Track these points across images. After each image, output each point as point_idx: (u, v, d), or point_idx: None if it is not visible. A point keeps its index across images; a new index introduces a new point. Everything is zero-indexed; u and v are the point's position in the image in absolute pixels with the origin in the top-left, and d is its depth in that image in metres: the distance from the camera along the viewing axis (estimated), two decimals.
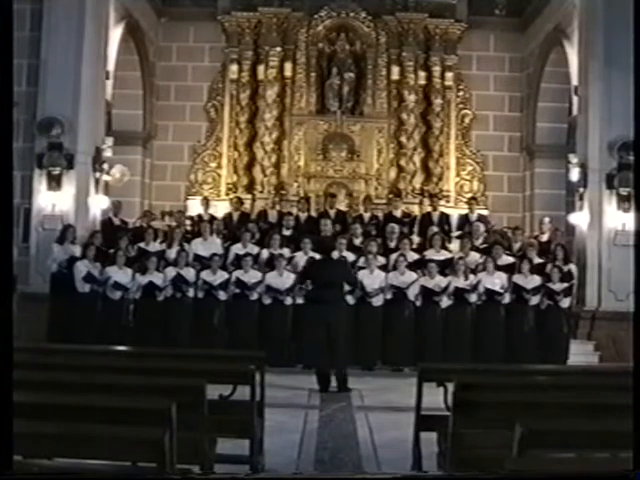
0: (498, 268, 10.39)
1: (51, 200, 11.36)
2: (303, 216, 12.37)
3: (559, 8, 13.12)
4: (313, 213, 13.03)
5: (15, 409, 3.19)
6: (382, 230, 11.55)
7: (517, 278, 10.23)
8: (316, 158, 14.61)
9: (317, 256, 10.11)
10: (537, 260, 10.65)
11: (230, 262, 10.80)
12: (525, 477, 3.22)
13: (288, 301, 10.36)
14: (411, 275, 10.31)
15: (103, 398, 4.13)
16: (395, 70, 14.64)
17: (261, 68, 14.63)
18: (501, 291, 10.14)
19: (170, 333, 10.17)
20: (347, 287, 9.62)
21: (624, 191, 11.17)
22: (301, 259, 10.63)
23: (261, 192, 14.30)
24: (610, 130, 11.27)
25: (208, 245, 11.00)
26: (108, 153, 12.04)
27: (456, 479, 4.34)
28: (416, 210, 13.63)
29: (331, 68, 14.78)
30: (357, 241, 11.19)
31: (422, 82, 14.61)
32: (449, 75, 14.78)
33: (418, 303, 10.30)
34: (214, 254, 10.54)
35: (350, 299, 10.21)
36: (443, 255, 10.82)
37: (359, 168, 14.56)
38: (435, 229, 11.56)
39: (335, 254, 10.43)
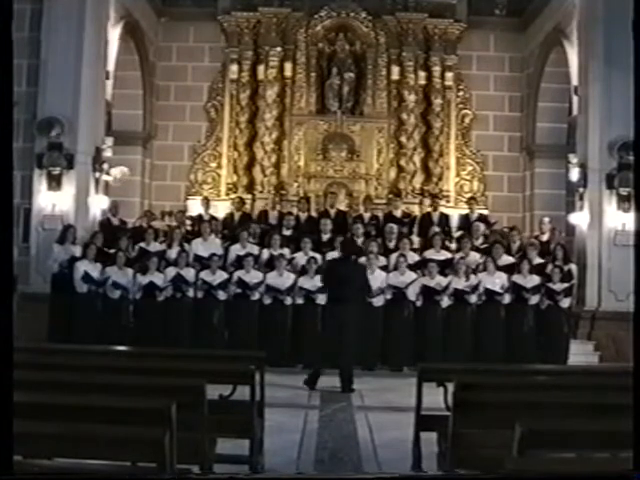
0: (498, 268, 10.39)
1: (51, 200, 11.36)
2: (303, 216, 12.38)
3: (559, 8, 13.13)
4: (313, 213, 13.04)
5: (15, 409, 3.19)
6: (382, 230, 11.55)
7: (516, 278, 10.24)
8: (316, 158, 14.61)
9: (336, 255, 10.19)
10: (537, 260, 10.64)
11: (230, 262, 10.80)
12: (525, 477, 3.22)
13: (288, 301, 10.36)
14: (411, 275, 10.32)
15: (103, 398, 4.13)
16: (395, 70, 14.65)
17: (261, 68, 14.63)
18: (501, 291, 10.14)
19: (170, 333, 10.17)
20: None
21: (624, 191, 11.17)
22: (301, 259, 10.64)
23: (261, 192, 14.30)
24: (610, 130, 11.27)
25: (208, 245, 11.00)
26: (108, 153, 12.04)
27: (456, 479, 4.34)
28: (416, 210, 13.63)
29: (331, 68, 14.78)
30: (357, 241, 11.19)
31: (422, 82, 14.61)
32: (449, 75, 14.78)
33: (418, 303, 10.31)
34: (213, 254, 10.54)
35: None
36: (443, 255, 10.82)
37: (359, 168, 14.56)
38: (436, 229, 11.56)
39: (334, 254, 10.47)
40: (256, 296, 10.34)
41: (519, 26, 15.07)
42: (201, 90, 15.16)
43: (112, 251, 10.68)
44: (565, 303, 10.28)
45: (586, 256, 11.40)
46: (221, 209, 13.67)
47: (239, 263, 10.58)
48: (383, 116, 14.75)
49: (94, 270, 10.31)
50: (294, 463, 5.87)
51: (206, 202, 13.03)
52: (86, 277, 10.18)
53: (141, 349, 7.64)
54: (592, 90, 11.56)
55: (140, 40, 14.16)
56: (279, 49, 14.56)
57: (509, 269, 10.46)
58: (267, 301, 10.39)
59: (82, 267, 10.26)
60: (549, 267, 10.47)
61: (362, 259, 10.49)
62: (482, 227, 11.70)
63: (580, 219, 11.76)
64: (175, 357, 6.49)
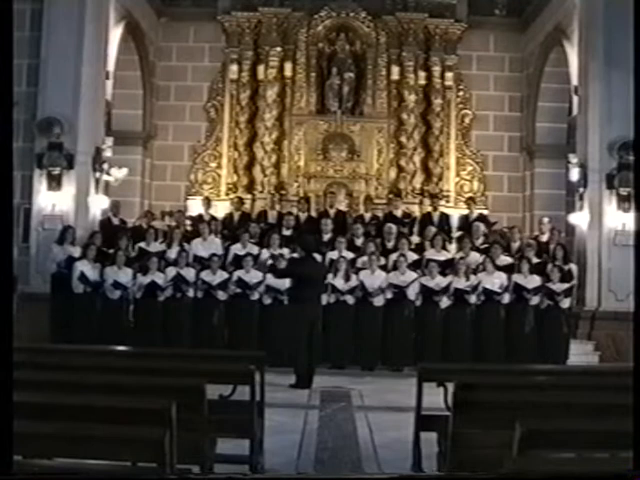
0: (497, 268, 10.38)
1: (51, 200, 11.36)
2: (303, 216, 12.37)
3: (559, 8, 13.12)
4: (313, 213, 13.04)
5: (15, 409, 3.19)
6: (382, 230, 11.55)
7: (517, 278, 10.23)
8: (316, 158, 14.60)
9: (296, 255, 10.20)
10: (536, 260, 10.63)
11: (229, 262, 10.79)
12: (525, 477, 3.22)
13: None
14: (411, 275, 10.31)
15: (103, 398, 4.13)
16: (395, 70, 14.64)
17: (261, 68, 14.63)
18: (499, 291, 10.14)
19: (170, 333, 10.17)
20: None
21: (624, 191, 11.16)
22: None
23: (261, 192, 14.29)
24: (610, 130, 11.27)
25: (208, 245, 11.00)
26: (108, 153, 12.04)
27: (456, 479, 4.34)
28: (416, 210, 13.63)
29: (331, 68, 14.77)
30: (358, 241, 11.20)
31: (422, 82, 14.61)
32: (449, 75, 14.78)
33: (418, 303, 10.30)
34: (213, 254, 10.54)
35: (350, 299, 10.25)
36: (444, 255, 10.81)
37: (359, 168, 14.56)
38: (433, 229, 11.55)
39: (334, 254, 10.49)
40: (256, 296, 10.34)
41: (519, 26, 15.07)
42: (201, 90, 15.15)
43: (111, 251, 10.68)
44: (565, 303, 10.28)
45: (586, 256, 11.40)
46: (221, 209, 13.67)
47: (238, 263, 10.57)
48: (383, 116, 14.74)
49: (92, 270, 10.30)
50: (294, 463, 5.87)
51: (207, 202, 13.03)
52: (82, 277, 10.17)
53: (141, 349, 7.63)
54: (592, 90, 11.55)
55: (140, 40, 14.16)
56: (279, 49, 14.56)
57: (508, 269, 10.45)
58: (267, 301, 10.39)
59: (80, 267, 10.25)
60: (549, 267, 10.47)
61: (361, 259, 10.55)
62: (482, 227, 11.69)
63: (580, 219, 11.76)
64: (175, 357, 6.49)
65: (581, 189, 11.72)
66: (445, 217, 12.58)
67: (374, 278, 10.25)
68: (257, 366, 5.66)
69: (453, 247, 11.52)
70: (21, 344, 5.16)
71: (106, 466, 3.40)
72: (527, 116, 14.89)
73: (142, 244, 11.08)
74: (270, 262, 10.54)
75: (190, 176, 15.05)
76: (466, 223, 12.22)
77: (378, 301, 10.25)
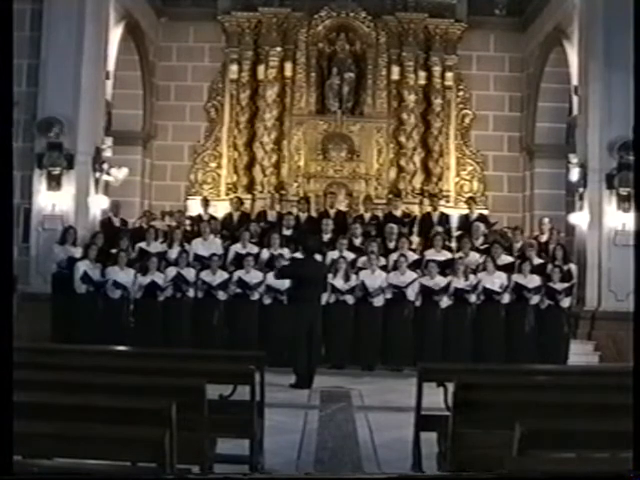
0: (498, 268, 10.38)
1: (51, 200, 11.36)
2: (303, 216, 12.37)
3: (559, 8, 13.12)
4: (313, 213, 13.03)
5: (15, 409, 3.19)
6: (382, 230, 11.55)
7: (517, 278, 10.23)
8: (316, 158, 14.60)
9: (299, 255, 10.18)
10: (537, 260, 10.63)
11: (230, 262, 10.79)
12: (525, 477, 3.22)
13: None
14: (411, 275, 10.31)
15: (103, 398, 4.14)
16: (395, 70, 14.64)
17: (261, 68, 14.63)
18: (499, 290, 10.14)
19: (170, 333, 10.17)
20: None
21: (624, 191, 11.16)
22: None
23: (261, 192, 14.29)
24: (610, 130, 11.27)
25: (208, 245, 10.99)
26: (108, 153, 12.04)
27: (456, 479, 4.34)
28: (416, 210, 13.63)
29: (331, 68, 14.78)
30: (357, 241, 11.20)
31: (422, 82, 14.60)
32: (449, 75, 14.78)
33: (418, 303, 10.30)
34: (213, 254, 10.54)
35: (350, 299, 10.25)
36: (443, 255, 10.81)
37: (359, 168, 14.56)
38: (439, 229, 11.56)
39: (335, 254, 10.49)
40: (256, 296, 10.34)
41: (519, 26, 15.08)
42: (201, 90, 15.15)
43: (113, 251, 10.68)
44: (565, 303, 10.28)
45: (586, 256, 11.39)
46: (221, 209, 13.67)
47: (239, 262, 10.57)
48: (383, 116, 14.74)
49: (94, 270, 10.30)
50: (294, 463, 5.88)
51: (205, 202, 13.03)
52: (85, 278, 10.17)
53: (141, 349, 7.64)
54: (592, 90, 11.55)
55: (140, 40, 14.16)
56: (279, 49, 14.56)
57: (508, 269, 10.45)
58: (267, 301, 10.39)
59: (82, 267, 10.25)
60: (549, 267, 10.47)
61: (361, 259, 10.54)
62: (482, 227, 11.69)
63: (580, 219, 11.75)
64: (175, 357, 6.49)
65: (581, 189, 11.72)
66: (445, 217, 12.57)
67: (374, 278, 10.25)
68: (257, 366, 5.66)
69: (453, 247, 11.51)
70: (21, 344, 5.16)
71: (106, 466, 3.40)
72: (527, 116, 14.89)
73: (142, 244, 11.08)
74: (279, 260, 10.52)
75: (190, 176, 15.06)
76: (466, 223, 12.21)
77: (378, 301, 10.25)
